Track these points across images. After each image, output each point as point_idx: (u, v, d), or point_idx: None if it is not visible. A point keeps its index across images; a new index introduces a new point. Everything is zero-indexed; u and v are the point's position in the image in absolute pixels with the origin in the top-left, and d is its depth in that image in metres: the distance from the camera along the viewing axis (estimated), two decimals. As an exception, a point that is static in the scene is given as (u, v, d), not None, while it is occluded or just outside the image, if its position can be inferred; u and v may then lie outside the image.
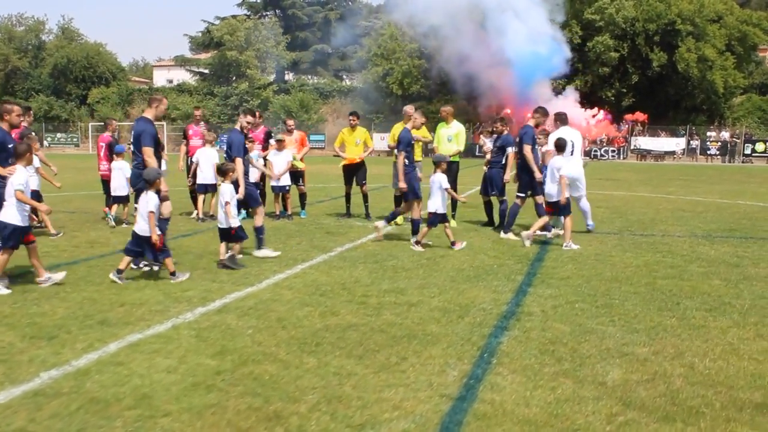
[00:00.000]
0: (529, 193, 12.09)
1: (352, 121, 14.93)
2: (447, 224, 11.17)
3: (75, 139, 60.60)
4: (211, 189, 14.49)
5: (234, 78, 62.80)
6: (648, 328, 6.68)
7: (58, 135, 60.92)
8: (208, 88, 63.37)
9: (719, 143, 48.02)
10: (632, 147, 48.32)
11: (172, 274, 8.72)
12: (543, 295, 8.00)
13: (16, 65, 65.44)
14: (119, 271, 8.58)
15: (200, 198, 14.53)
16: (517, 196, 12.21)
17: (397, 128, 14.06)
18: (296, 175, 15.04)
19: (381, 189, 20.00)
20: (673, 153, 48.53)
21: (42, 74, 65.97)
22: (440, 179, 11.02)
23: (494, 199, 13.43)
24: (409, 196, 11.53)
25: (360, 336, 6.45)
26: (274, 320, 7.00)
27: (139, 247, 8.63)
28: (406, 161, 11.41)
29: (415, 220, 11.46)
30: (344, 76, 68.91)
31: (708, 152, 48.01)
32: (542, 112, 12.03)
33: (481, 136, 13.87)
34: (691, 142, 48.43)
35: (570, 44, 49.54)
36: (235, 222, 9.60)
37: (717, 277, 9.03)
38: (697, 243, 11.78)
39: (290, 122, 15.64)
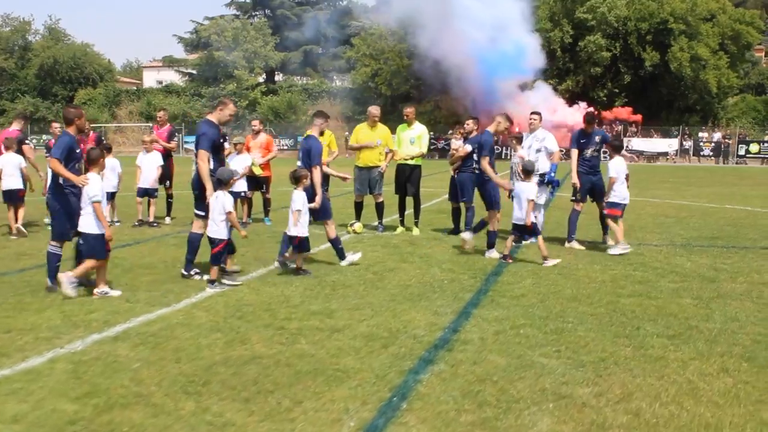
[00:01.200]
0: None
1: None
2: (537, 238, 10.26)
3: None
4: (152, 193, 13.66)
5: (222, 79, 61.87)
6: (597, 361, 5.76)
7: (44, 137, 59.91)
8: (196, 89, 62.46)
9: (712, 144, 47.14)
10: (625, 147, 47.34)
11: (210, 282, 8.39)
12: (488, 318, 7.08)
13: (2, 66, 64.49)
14: (212, 282, 8.34)
15: (138, 202, 13.81)
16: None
17: (360, 129, 13.19)
18: (257, 181, 14.12)
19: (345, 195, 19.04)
20: (665, 154, 47.65)
21: (28, 75, 65.06)
22: (528, 189, 10.11)
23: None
24: (494, 206, 10.66)
25: (259, 371, 5.54)
26: (170, 351, 6.09)
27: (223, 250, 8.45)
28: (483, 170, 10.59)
29: (492, 232, 10.67)
30: (335, 77, 67.94)
31: (701, 153, 47.13)
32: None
33: (453, 138, 12.93)
34: (684, 143, 47.55)
35: (561, 44, 48.74)
36: (302, 231, 9.08)
37: (688, 295, 8.12)
38: (674, 253, 10.88)
39: (255, 123, 14.70)
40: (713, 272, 9.46)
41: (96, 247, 7.97)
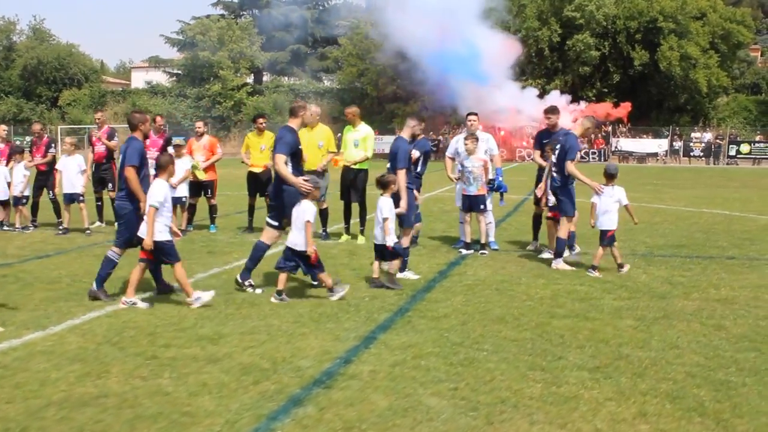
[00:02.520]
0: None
1: (259, 125, 13.15)
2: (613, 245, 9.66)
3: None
4: (77, 198, 12.84)
5: (211, 79, 60.90)
6: (495, 403, 4.89)
7: (28, 138, 58.99)
8: (181, 90, 61.55)
9: (703, 145, 46.30)
10: (614, 149, 46.51)
11: (330, 290, 7.96)
12: (393, 345, 6.22)
13: (-15, 67, 63.59)
14: (279, 293, 7.91)
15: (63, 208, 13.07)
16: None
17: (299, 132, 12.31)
18: (200, 185, 13.23)
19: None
20: (655, 155, 46.80)
21: (12, 76, 64.06)
22: (620, 194, 9.69)
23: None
24: (568, 211, 9.91)
25: (92, 416, 4.68)
26: (9, 387, 5.24)
27: (293, 260, 7.95)
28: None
29: (560, 239, 9.86)
30: (323, 77, 67.04)
31: (691, 154, 46.29)
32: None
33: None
34: (675, 143, 46.69)
35: (549, 43, 47.91)
36: (392, 239, 8.51)
37: (631, 315, 7.25)
38: (632, 264, 10.01)
39: (199, 125, 13.79)
40: (667, 287, 8.60)
41: (168, 253, 7.70)
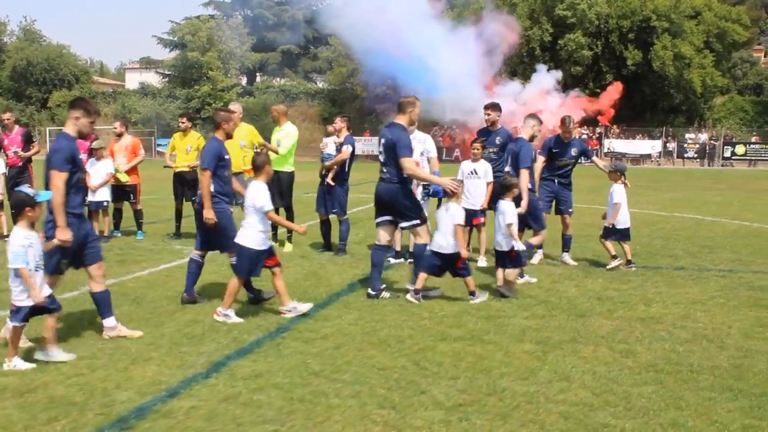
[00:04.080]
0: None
1: (181, 124, 12.35)
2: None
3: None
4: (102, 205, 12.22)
5: (203, 79, 60.15)
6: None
7: None
8: (171, 91, 60.83)
9: (697, 146, 45.35)
10: (606, 150, 45.59)
11: (471, 293, 7.74)
12: (240, 374, 5.39)
13: (-25, 67, 62.94)
14: (417, 291, 7.74)
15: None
16: None
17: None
18: (122, 189, 12.42)
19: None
20: (649, 156, 45.87)
21: (2, 77, 63.45)
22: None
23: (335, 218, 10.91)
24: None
25: None
26: None
27: (440, 263, 7.76)
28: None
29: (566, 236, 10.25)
30: (315, 78, 66.26)
31: (685, 155, 45.34)
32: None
33: (324, 138, 11.25)
34: (668, 144, 45.76)
35: (540, 42, 46.99)
36: (519, 244, 8.15)
37: (534, 338, 6.41)
38: (567, 275, 9.20)
39: (116, 125, 13.01)
40: (593, 303, 7.74)
41: (247, 264, 7.04)
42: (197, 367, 5.57)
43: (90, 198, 11.96)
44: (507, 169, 9.31)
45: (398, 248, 10.24)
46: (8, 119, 12.69)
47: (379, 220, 8.13)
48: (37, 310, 5.60)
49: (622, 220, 9.70)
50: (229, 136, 7.88)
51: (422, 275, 7.77)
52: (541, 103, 36.95)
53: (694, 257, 10.69)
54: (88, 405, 4.79)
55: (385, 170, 7.98)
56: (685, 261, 10.38)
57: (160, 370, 5.51)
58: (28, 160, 12.66)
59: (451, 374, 5.40)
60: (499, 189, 8.53)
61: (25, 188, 5.79)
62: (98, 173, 12.12)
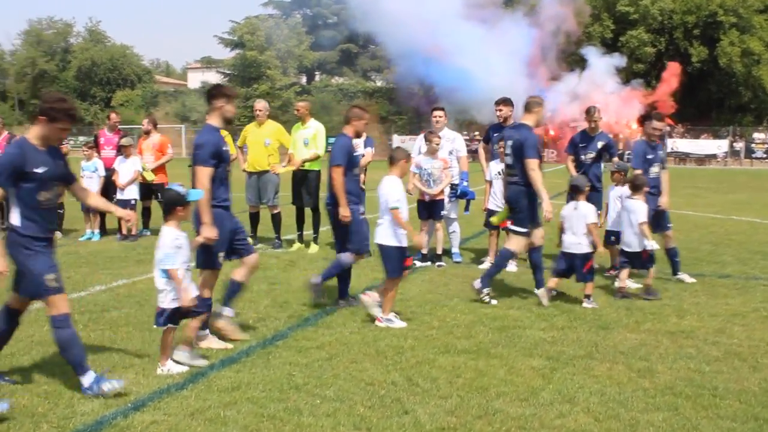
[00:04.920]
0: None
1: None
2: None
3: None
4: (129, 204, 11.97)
5: (262, 78, 60.59)
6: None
7: (81, 138, 59.83)
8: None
9: (766, 146, 43.47)
10: (669, 149, 44.05)
11: (587, 297, 7.50)
12: (219, 385, 5.06)
13: (44, 68, 64.59)
14: (550, 290, 7.59)
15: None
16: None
17: (247, 128, 11.31)
18: (150, 188, 12.26)
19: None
20: (714, 156, 44.18)
21: (68, 77, 65.13)
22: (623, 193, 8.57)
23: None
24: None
25: None
26: None
27: (568, 265, 7.59)
28: None
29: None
30: (374, 76, 66.06)
31: (753, 156, 43.51)
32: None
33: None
34: (735, 144, 43.98)
35: (601, 39, 45.72)
36: (652, 244, 7.93)
37: (546, 352, 5.89)
38: (603, 283, 8.58)
39: (145, 122, 12.86)
40: (622, 313, 7.17)
41: (396, 263, 6.79)
42: (176, 376, 5.25)
43: (118, 196, 11.89)
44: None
45: (424, 251, 9.78)
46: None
47: None
48: (183, 313, 5.39)
49: (613, 222, 8.81)
50: (358, 135, 7.65)
51: (553, 279, 7.65)
52: (597, 95, 34.97)
53: (743, 264, 9.95)
54: (47, 416, 4.51)
55: (512, 172, 7.79)
56: (733, 268, 9.66)
57: (137, 379, 5.20)
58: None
59: (442, 392, 4.94)
60: (630, 187, 8.16)
61: (177, 186, 5.55)
62: (126, 171, 12.02)
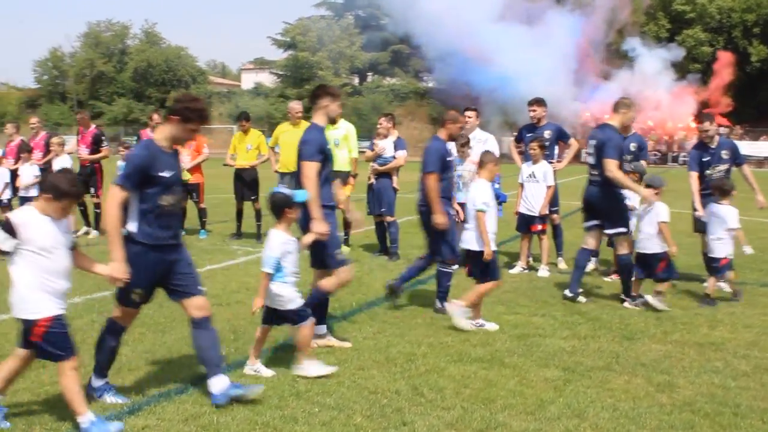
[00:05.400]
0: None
1: (242, 126, 12.12)
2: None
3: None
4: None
5: (314, 79, 60.93)
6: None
7: (133, 139, 61.01)
8: (282, 91, 61.95)
9: (831, 149, 41.96)
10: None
11: (658, 293, 7.35)
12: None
13: (101, 70, 66.02)
14: (633, 297, 7.50)
15: None
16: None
17: (280, 128, 11.26)
18: (185, 188, 12.26)
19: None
20: (773, 159, 42.81)
21: (124, 78, 66.46)
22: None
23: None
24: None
25: None
26: None
27: (643, 266, 7.50)
28: None
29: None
30: (425, 77, 65.81)
31: (817, 159, 42.04)
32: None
33: (378, 141, 10.63)
34: (797, 147, 42.56)
35: (657, 39, 44.74)
36: (748, 248, 7.82)
37: (563, 363, 5.66)
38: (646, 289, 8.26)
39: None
40: (650, 322, 6.89)
41: (494, 266, 6.74)
42: (179, 380, 5.18)
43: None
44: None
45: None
46: (33, 124, 13.05)
47: (588, 224, 7.88)
48: (279, 317, 5.35)
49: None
50: (452, 138, 7.53)
51: (635, 283, 7.53)
52: (648, 91, 33.62)
53: (789, 273, 9.50)
54: (43, 419, 4.47)
55: (594, 172, 7.68)
56: (781, 276, 9.23)
57: (139, 381, 5.15)
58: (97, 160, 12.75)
59: (446, 403, 4.76)
60: (718, 193, 7.88)
61: (282, 189, 5.51)
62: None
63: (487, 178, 6.76)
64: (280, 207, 5.29)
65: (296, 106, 11.14)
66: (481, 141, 9.84)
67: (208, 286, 8.08)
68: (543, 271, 9.20)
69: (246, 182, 11.86)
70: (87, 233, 12.44)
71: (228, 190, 12.76)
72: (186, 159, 12.21)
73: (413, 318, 7.00)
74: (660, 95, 35.65)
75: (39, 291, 4.12)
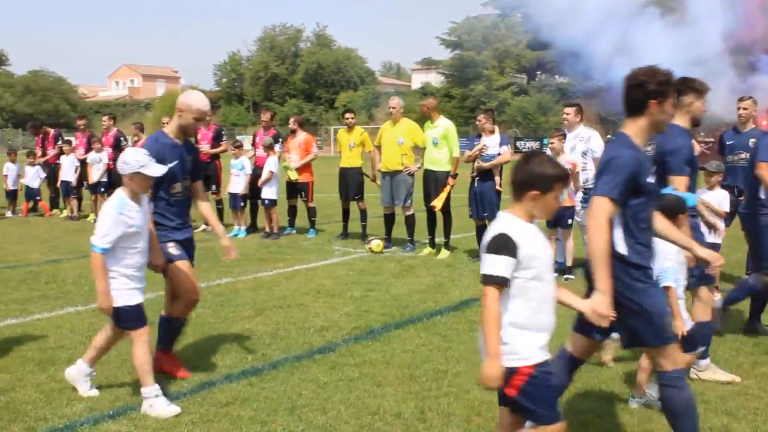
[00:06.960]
0: None
1: (347, 121, 11.95)
2: None
3: (319, 142, 62.36)
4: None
5: (481, 79, 60.46)
6: None
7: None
8: (447, 90, 61.88)
9: None
10: None
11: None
12: (213, 400, 4.76)
13: (275, 72, 68.96)
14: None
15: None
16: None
17: (383, 127, 10.98)
18: (294, 187, 12.28)
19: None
20: None
21: (296, 80, 69.04)
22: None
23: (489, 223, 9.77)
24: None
25: None
26: None
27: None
28: None
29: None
30: (596, 76, 63.31)
31: None
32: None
33: (483, 139, 10.01)
34: None
35: None
36: None
37: (594, 397, 4.95)
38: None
39: (291, 121, 12.68)
40: (752, 349, 5.94)
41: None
42: (183, 385, 5.01)
43: (264, 195, 12.02)
44: None
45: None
46: (104, 123, 14.97)
47: None
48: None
49: None
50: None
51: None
52: None
53: None
54: (35, 414, 4.44)
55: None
56: None
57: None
58: (216, 156, 12.99)
59: (454, 422, 4.26)
60: None
61: (674, 191, 4.68)
62: (269, 168, 12.06)
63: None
64: (673, 211, 4.54)
65: (393, 102, 10.80)
66: (584, 139, 9.10)
67: (273, 289, 8.00)
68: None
69: (348, 182, 11.66)
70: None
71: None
72: (295, 158, 12.22)
73: (471, 331, 6.46)
74: None
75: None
